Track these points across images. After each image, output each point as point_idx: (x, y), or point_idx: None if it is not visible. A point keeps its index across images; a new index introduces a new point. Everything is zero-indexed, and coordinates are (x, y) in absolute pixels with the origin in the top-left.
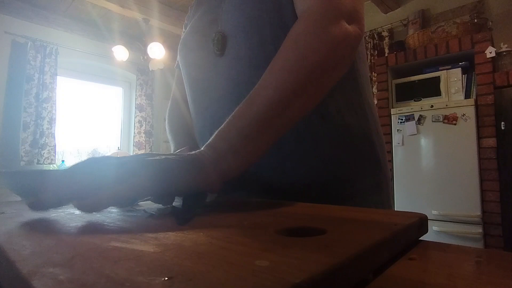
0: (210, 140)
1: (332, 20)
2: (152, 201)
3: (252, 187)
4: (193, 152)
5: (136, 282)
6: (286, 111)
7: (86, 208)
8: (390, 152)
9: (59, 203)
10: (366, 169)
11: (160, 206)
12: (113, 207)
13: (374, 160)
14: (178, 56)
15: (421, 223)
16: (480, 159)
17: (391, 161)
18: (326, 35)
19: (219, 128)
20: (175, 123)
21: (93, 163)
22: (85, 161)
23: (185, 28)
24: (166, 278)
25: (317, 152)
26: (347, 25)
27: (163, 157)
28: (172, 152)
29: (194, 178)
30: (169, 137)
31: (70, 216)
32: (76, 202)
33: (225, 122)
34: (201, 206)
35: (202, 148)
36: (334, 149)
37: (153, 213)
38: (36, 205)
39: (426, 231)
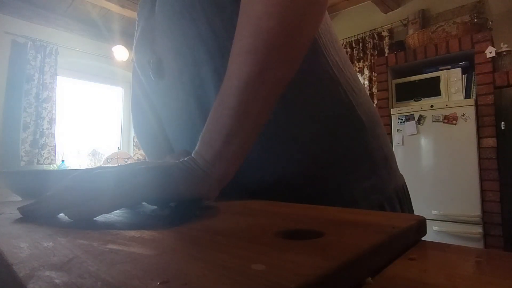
0: (196, 147)
1: None
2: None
3: (241, 189)
4: (185, 159)
5: (132, 286)
6: (258, 94)
7: (76, 216)
8: None
9: (50, 215)
10: (355, 154)
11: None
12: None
13: (363, 141)
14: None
15: (420, 225)
16: (480, 159)
17: None
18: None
19: (202, 133)
20: (144, 133)
21: (86, 175)
22: (77, 175)
23: (136, 28)
24: (161, 282)
25: (298, 145)
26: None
27: (157, 164)
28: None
29: (195, 186)
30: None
31: None
32: (67, 210)
33: (205, 125)
34: (198, 209)
35: (192, 155)
36: (315, 139)
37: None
38: (27, 213)
39: (425, 233)
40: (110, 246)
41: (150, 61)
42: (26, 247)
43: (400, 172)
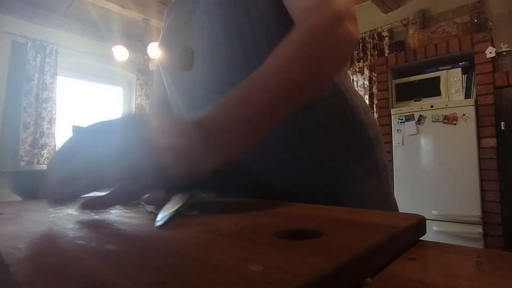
0: (207, 114)
1: (338, 20)
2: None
3: (245, 187)
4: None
5: (130, 286)
6: (292, 101)
7: (91, 207)
8: (390, 152)
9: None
10: (358, 151)
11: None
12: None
13: (366, 140)
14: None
15: (420, 225)
16: (480, 159)
17: (391, 161)
18: (333, 35)
19: (217, 108)
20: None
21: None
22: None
23: (163, 31)
24: (159, 283)
25: (305, 142)
26: (349, 25)
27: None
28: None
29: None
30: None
31: (69, 217)
32: (82, 204)
33: (223, 106)
34: (186, 204)
35: (199, 117)
36: (320, 136)
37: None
38: (54, 201)
39: (425, 232)
40: (109, 246)
41: (182, 52)
42: (24, 247)
43: (400, 172)
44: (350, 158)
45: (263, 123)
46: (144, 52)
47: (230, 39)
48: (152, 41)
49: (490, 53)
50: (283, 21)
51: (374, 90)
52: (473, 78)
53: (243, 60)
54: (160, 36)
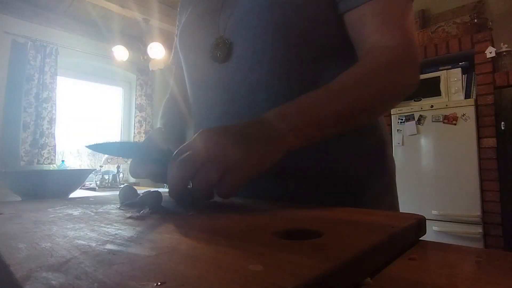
0: (277, 112)
1: (410, 65)
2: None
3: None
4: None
5: (128, 287)
6: (352, 120)
7: (226, 195)
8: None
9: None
10: (373, 152)
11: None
12: (112, 207)
13: (380, 140)
14: (179, 54)
15: (420, 224)
16: (480, 159)
17: None
18: (402, 77)
19: (289, 107)
20: (170, 110)
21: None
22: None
23: (178, 29)
24: (159, 283)
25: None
26: (416, 73)
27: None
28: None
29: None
30: (161, 118)
31: (68, 217)
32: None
33: (294, 107)
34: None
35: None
36: (343, 138)
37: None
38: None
39: (425, 232)
40: (108, 246)
41: (218, 42)
42: (24, 247)
43: (400, 172)
44: (368, 157)
45: (325, 131)
46: (144, 52)
47: (275, 40)
48: (152, 41)
49: (490, 53)
50: (331, 33)
51: None
52: (473, 78)
53: (285, 61)
54: (181, 25)
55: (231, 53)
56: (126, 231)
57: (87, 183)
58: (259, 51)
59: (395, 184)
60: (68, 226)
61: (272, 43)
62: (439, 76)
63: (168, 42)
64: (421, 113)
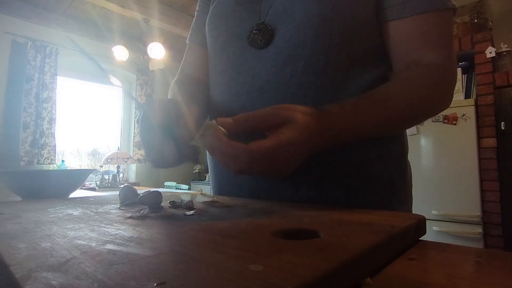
0: (324, 110)
1: (451, 85)
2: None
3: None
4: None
5: (128, 287)
6: (388, 128)
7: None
8: None
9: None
10: (395, 159)
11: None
12: (112, 207)
13: (402, 147)
14: (199, 33)
15: (419, 224)
16: (480, 159)
17: None
18: (444, 96)
19: (337, 107)
20: (186, 87)
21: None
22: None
23: (199, 10)
24: (158, 283)
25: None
26: (453, 91)
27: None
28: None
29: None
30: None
31: (68, 217)
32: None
33: (340, 106)
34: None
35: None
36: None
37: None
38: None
39: (425, 232)
40: (108, 246)
41: (261, 28)
42: (24, 247)
43: None
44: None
45: (365, 131)
46: (144, 52)
47: (318, 35)
48: (152, 41)
49: (490, 53)
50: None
51: None
52: (473, 78)
53: (324, 58)
54: (213, 6)
55: (271, 41)
56: (126, 231)
57: (87, 183)
58: (300, 44)
59: (412, 195)
60: (68, 226)
61: (314, 37)
62: None
63: (168, 42)
64: None
